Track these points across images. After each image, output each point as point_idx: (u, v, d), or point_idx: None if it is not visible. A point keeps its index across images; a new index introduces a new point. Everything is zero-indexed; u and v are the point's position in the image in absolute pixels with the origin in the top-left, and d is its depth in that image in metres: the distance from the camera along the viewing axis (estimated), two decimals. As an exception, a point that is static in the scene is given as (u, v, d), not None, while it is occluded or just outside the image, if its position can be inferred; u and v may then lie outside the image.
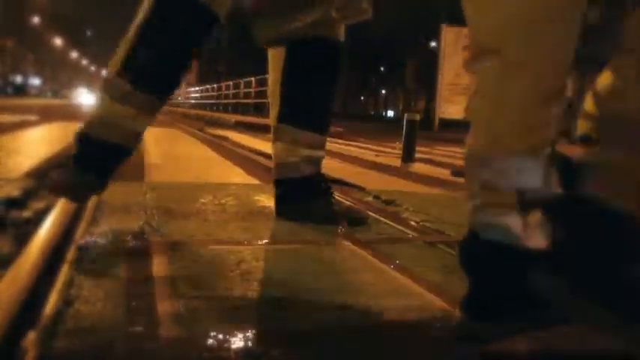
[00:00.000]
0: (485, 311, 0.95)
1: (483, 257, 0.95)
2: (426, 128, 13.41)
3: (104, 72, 1.56)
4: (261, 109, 16.01)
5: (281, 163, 1.78)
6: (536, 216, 0.92)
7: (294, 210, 1.75)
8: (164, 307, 0.98)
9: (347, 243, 1.51)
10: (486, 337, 0.91)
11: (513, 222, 0.91)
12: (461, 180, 3.83)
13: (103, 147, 1.48)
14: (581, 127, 1.07)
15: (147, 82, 1.46)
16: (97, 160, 1.50)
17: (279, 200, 1.79)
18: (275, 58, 1.79)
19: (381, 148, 6.91)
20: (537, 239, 0.93)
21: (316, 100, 1.79)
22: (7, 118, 8.45)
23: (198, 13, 1.48)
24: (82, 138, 1.50)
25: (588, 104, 1.16)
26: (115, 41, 1.56)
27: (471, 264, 0.97)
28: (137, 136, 1.53)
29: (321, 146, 1.81)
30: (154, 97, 1.49)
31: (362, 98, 45.13)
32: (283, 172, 1.79)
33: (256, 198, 2.12)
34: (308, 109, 1.78)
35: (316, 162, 1.80)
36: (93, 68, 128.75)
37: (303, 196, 1.76)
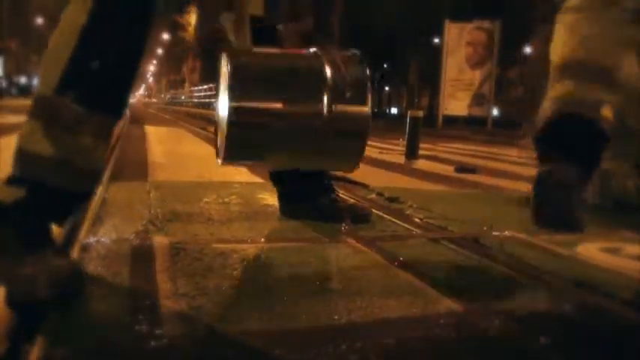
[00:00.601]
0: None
1: (563, 125, 1.16)
2: (430, 125, 13.41)
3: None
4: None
5: None
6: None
7: (298, 208, 1.75)
8: (168, 305, 0.98)
9: (350, 240, 1.51)
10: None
11: (596, 99, 1.14)
12: (464, 176, 3.83)
13: (58, 195, 1.08)
14: None
15: (102, 97, 1.09)
16: (48, 214, 1.09)
17: (282, 199, 1.79)
18: None
19: (385, 145, 6.91)
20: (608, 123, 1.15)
21: None
22: (12, 118, 8.46)
23: None
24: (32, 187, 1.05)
25: None
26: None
27: (549, 135, 1.22)
28: (95, 177, 1.15)
29: None
30: (110, 117, 1.12)
31: (365, 95, 45.18)
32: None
33: (260, 196, 2.12)
34: None
35: None
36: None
37: (307, 195, 1.75)
